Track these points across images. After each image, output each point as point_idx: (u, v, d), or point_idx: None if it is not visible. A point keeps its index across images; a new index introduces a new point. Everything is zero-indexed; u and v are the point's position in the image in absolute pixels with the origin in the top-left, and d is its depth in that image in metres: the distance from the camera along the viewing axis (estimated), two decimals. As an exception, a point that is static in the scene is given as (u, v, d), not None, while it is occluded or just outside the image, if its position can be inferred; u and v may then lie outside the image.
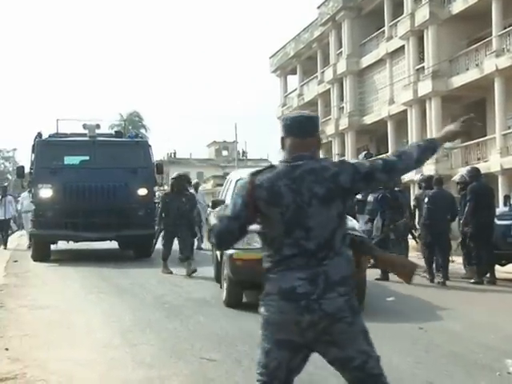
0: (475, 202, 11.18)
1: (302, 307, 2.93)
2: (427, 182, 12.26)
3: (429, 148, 3.16)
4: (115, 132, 18.17)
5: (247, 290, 8.70)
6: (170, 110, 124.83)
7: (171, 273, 12.31)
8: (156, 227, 13.65)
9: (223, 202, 10.00)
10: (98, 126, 15.80)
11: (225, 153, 72.68)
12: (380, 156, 3.22)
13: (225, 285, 8.84)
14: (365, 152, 19.37)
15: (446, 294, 9.79)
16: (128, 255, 15.86)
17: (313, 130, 3.13)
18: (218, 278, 10.31)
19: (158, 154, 57.40)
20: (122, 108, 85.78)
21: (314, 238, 2.98)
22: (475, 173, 11.62)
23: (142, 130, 57.10)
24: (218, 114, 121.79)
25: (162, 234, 12.79)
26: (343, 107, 35.56)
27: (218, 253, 9.89)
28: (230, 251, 8.30)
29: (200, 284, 11.09)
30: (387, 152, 31.35)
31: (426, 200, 11.63)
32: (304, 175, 3.00)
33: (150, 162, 15.71)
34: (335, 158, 11.58)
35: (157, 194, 18.93)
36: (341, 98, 35.87)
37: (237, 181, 10.14)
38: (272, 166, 3.11)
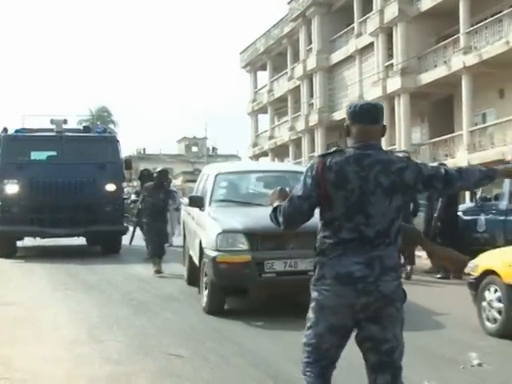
0: (448, 198, 11.36)
1: (360, 290, 3.11)
2: None
3: (488, 175, 3.32)
4: (83, 127, 17.96)
5: (230, 295, 8.05)
6: (139, 105, 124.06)
7: (162, 272, 11.68)
8: (126, 223, 13.45)
9: (201, 198, 9.07)
10: (65, 121, 15.63)
11: (195, 149, 72.42)
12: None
13: (205, 290, 8.01)
14: (334, 148, 19.28)
15: (412, 289, 9.87)
16: (96, 251, 15.72)
17: (379, 117, 3.29)
18: (191, 281, 9.77)
19: (127, 150, 57.01)
20: (91, 103, 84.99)
21: (373, 225, 3.14)
22: None
23: (111, 126, 56.64)
24: (189, 110, 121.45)
25: (138, 230, 12.57)
26: (313, 103, 35.69)
27: (193, 253, 9.28)
28: (213, 253, 7.63)
29: (168, 280, 11.05)
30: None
31: None
32: (372, 165, 3.17)
33: (118, 158, 15.59)
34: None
35: (125, 189, 18.79)
36: (310, 94, 36.00)
37: (216, 176, 9.29)
38: (341, 151, 3.24)
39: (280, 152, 40.67)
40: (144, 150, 71.05)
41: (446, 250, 3.53)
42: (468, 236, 11.91)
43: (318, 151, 34.02)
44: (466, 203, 13.99)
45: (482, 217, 12.07)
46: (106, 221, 14.57)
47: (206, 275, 7.97)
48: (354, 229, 3.13)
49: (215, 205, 8.76)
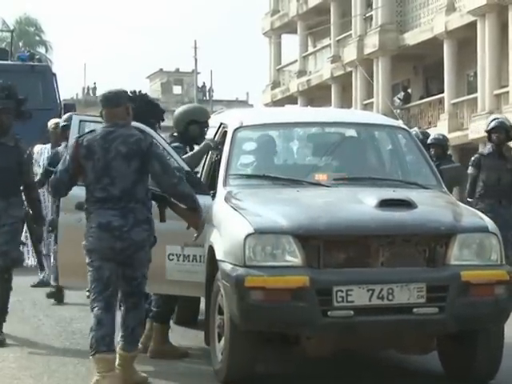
0: None
1: (116, 237, 6.67)
2: None
3: (192, 200, 7.05)
4: (-4, 50, 17.96)
5: (268, 346, 7.36)
6: (86, 20, 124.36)
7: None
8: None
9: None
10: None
11: (177, 89, 72.45)
12: None
13: (220, 342, 7.23)
14: (402, 93, 19.05)
15: None
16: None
17: (120, 101, 6.92)
18: (181, 320, 9.62)
19: (67, 90, 57.10)
20: (9, 13, 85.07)
21: (117, 185, 6.72)
22: None
23: (42, 50, 56.81)
24: (166, 26, 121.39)
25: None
26: (371, 17, 35.49)
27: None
28: (238, 272, 6.70)
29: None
30: (442, 93, 31.21)
31: None
32: (115, 138, 6.77)
33: (53, 101, 15.51)
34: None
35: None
36: (368, 1, 35.76)
37: (235, 131, 8.36)
38: (93, 131, 6.94)
39: (316, 96, 40.50)
40: (94, 89, 71.02)
41: (182, 208, 7.09)
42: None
43: (379, 95, 33.70)
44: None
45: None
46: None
47: (220, 313, 7.24)
48: (103, 189, 6.72)
49: (236, 183, 8.00)
